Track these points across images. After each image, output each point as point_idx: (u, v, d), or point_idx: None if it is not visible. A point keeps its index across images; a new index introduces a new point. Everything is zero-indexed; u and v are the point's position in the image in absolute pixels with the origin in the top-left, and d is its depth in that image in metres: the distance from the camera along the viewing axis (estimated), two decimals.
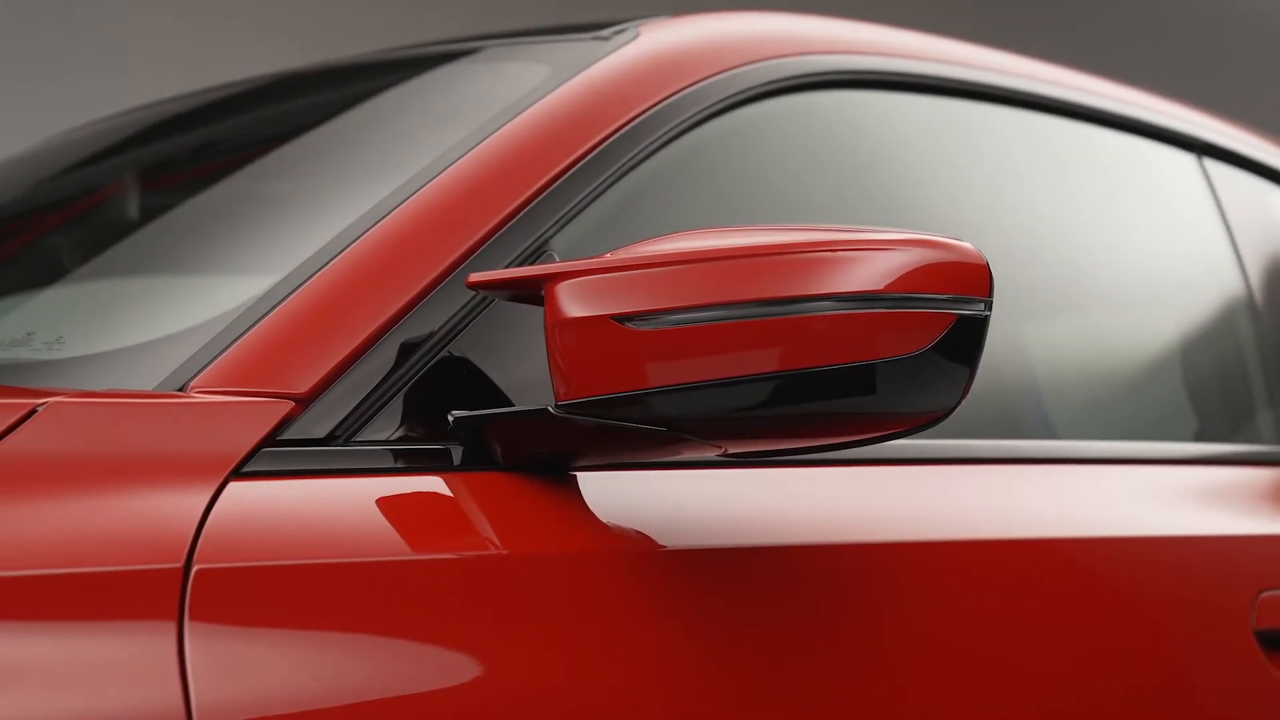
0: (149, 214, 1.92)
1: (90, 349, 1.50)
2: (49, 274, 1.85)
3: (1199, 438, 2.29)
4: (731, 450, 1.41)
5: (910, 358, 1.34)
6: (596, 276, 1.36)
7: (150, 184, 2.05)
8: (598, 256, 1.39)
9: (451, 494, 1.38)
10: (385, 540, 1.31)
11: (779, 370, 1.33)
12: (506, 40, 2.01)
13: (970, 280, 1.37)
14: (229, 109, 2.18)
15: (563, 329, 1.36)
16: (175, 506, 1.22)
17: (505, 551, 1.36)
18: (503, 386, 1.48)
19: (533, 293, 1.40)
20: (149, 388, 1.35)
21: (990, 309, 1.37)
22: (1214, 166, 2.42)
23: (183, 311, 1.54)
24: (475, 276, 1.42)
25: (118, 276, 1.76)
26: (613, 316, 1.35)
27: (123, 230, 1.91)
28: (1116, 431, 2.18)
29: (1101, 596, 1.79)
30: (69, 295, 1.74)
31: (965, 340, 1.36)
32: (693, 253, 1.36)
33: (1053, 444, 2.01)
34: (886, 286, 1.34)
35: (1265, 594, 1.92)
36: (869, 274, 1.34)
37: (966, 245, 1.38)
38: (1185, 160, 2.39)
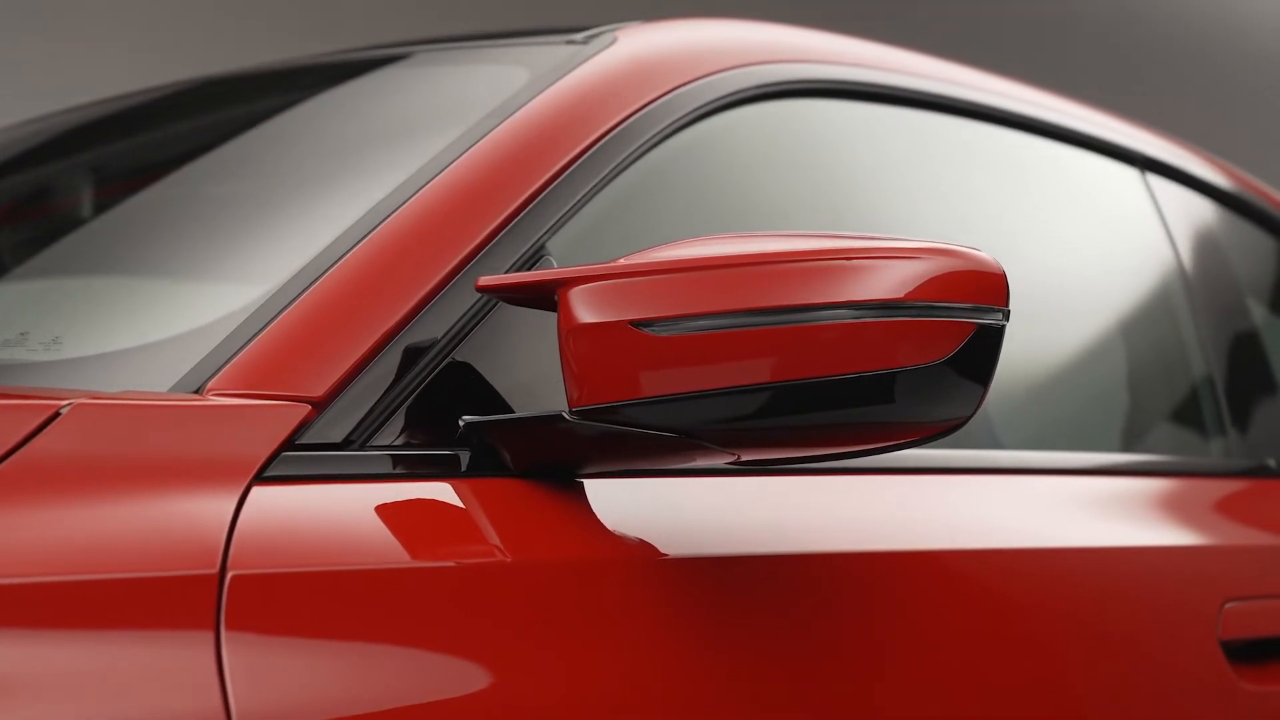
0: (131, 213, 1.87)
1: (90, 350, 1.46)
2: (38, 272, 1.81)
3: (1146, 450, 2.31)
4: (745, 458, 1.40)
5: (929, 367, 1.34)
6: (613, 281, 1.34)
7: (114, 185, 2.01)
8: (610, 262, 1.37)
9: (468, 500, 1.36)
10: (409, 548, 1.29)
11: (798, 378, 1.33)
12: (482, 42, 1.99)
13: (989, 289, 1.36)
14: (205, 105, 2.14)
15: (577, 334, 1.35)
16: (204, 512, 1.19)
17: (524, 559, 1.35)
18: (510, 390, 1.46)
19: (543, 297, 1.39)
20: (161, 390, 1.32)
21: (1008, 318, 1.37)
22: (1156, 181, 2.46)
23: (183, 313, 1.50)
24: (485, 280, 1.40)
25: (110, 276, 1.71)
26: (631, 322, 1.33)
27: (106, 230, 1.86)
28: (1067, 443, 2.20)
29: (1071, 607, 1.80)
30: (62, 295, 1.70)
31: (983, 350, 1.36)
32: (713, 258, 1.34)
33: (1011, 454, 2.02)
34: (907, 295, 1.33)
35: (1230, 605, 1.94)
36: (889, 282, 1.34)
37: (984, 254, 1.38)
38: (1130, 175, 2.42)
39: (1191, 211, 2.50)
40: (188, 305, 1.54)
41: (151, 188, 1.90)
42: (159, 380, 1.33)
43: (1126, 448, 2.28)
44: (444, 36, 2.13)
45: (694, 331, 1.33)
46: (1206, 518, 2.12)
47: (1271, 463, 2.31)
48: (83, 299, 1.66)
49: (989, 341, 1.36)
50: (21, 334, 1.52)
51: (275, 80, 2.14)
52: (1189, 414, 2.36)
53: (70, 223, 1.97)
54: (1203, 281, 2.41)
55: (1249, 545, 2.12)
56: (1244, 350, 2.45)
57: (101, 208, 1.96)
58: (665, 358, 1.33)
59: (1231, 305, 2.48)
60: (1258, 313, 2.56)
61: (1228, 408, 2.33)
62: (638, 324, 1.33)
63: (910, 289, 1.34)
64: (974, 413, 1.38)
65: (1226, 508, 2.17)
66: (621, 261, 1.36)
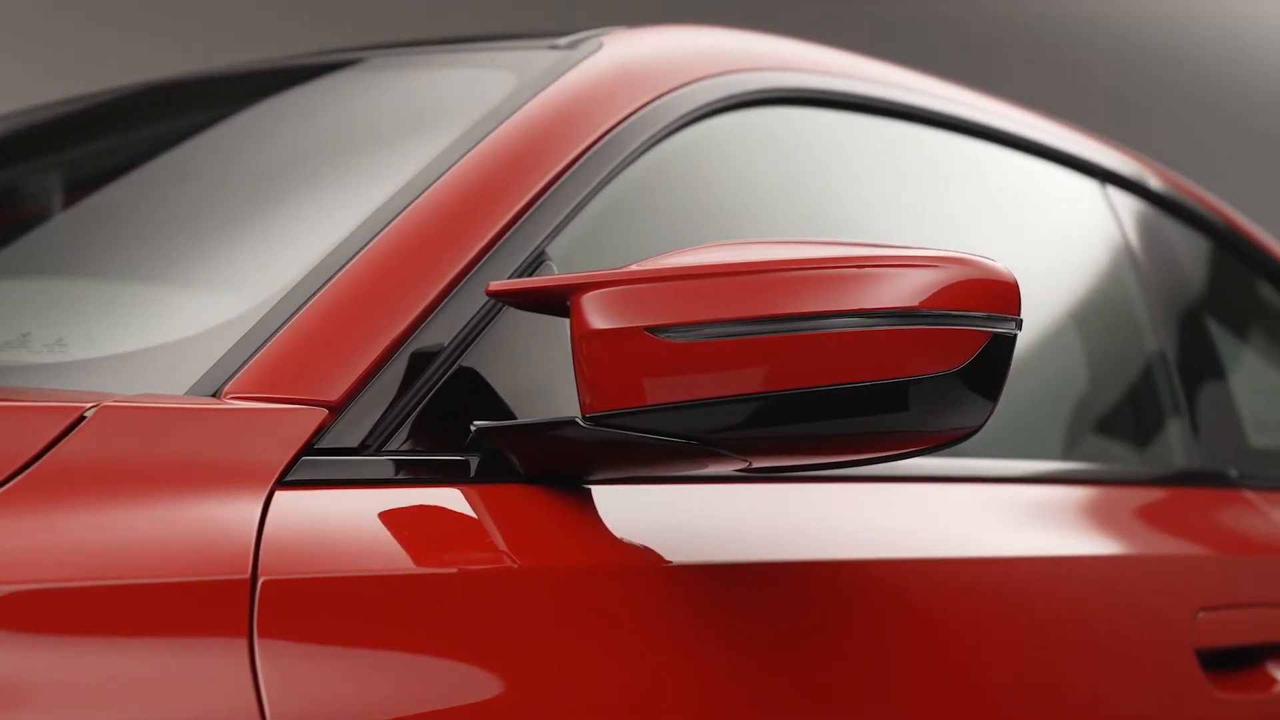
0: (129, 213, 1.85)
1: (96, 352, 1.44)
2: (34, 272, 1.77)
3: (1109, 459, 2.33)
4: (756, 465, 1.40)
5: (943, 375, 1.34)
6: (628, 287, 1.34)
7: (89, 186, 1.98)
8: (624, 268, 1.36)
9: (478, 506, 1.36)
10: (430, 553, 1.29)
11: (814, 385, 1.33)
12: (465, 45, 1.98)
13: (1001, 298, 1.37)
14: (204, 104, 2.11)
15: (590, 340, 1.34)
16: (232, 516, 1.18)
17: (533, 566, 1.34)
18: (519, 394, 1.45)
19: (554, 302, 1.38)
20: (178, 393, 1.30)
21: (1020, 327, 1.38)
22: (1116, 194, 2.48)
23: (188, 315, 1.49)
24: (495, 285, 1.40)
25: (109, 279, 1.68)
26: (646, 328, 1.33)
27: (102, 231, 1.83)
28: (1041, 452, 2.21)
29: (1053, 614, 1.81)
30: (61, 296, 1.67)
31: (995, 359, 1.36)
32: (728, 265, 1.34)
33: (992, 463, 2.02)
34: (922, 303, 1.34)
35: (1203, 614, 1.96)
36: (904, 290, 1.34)
37: (996, 263, 1.38)
38: (1091, 187, 2.45)
39: (1149, 223, 2.53)
40: (190, 309, 1.52)
41: (148, 189, 1.87)
42: (169, 384, 1.32)
43: (1091, 457, 2.30)
44: (430, 39, 2.12)
45: (709, 338, 1.32)
46: (1176, 526, 2.14)
47: (1233, 472, 2.33)
48: (83, 299, 1.64)
49: (1001, 350, 1.37)
50: (23, 335, 1.49)
51: (265, 81, 2.11)
52: (1152, 424, 2.38)
53: (52, 222, 1.93)
54: (1162, 292, 2.44)
55: (1218, 554, 2.15)
56: (1203, 362, 2.48)
57: (76, 206, 1.93)
58: (680, 364, 1.33)
59: (1190, 317, 2.51)
60: (1214, 325, 2.59)
61: (1189, 418, 2.35)
62: (653, 330, 1.33)
63: (925, 297, 1.34)
64: (986, 420, 1.38)
65: (1194, 517, 2.19)
66: (635, 267, 1.36)
